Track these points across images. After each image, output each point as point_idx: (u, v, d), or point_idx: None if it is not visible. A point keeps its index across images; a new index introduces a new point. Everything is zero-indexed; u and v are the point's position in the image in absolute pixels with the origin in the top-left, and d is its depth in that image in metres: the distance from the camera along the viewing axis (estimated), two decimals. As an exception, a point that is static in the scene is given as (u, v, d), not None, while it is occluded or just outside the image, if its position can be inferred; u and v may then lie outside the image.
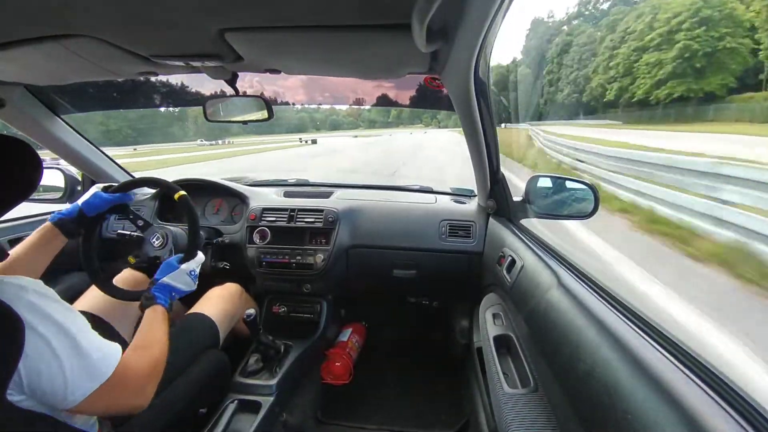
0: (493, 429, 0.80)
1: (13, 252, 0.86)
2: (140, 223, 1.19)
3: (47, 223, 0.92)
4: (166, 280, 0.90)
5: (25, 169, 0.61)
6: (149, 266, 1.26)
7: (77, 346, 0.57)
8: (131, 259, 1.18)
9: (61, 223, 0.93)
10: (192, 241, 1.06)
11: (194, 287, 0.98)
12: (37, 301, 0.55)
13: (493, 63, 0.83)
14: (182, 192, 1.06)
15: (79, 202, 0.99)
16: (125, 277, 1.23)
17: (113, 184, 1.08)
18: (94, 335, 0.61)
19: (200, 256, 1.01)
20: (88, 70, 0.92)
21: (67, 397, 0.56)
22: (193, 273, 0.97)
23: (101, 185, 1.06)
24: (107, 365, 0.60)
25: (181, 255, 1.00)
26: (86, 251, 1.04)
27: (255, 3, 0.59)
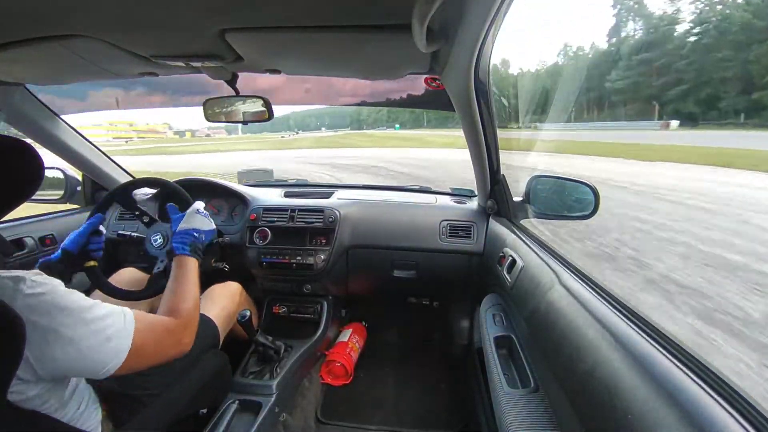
0: (494, 429, 0.80)
1: None
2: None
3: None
4: (182, 226, 0.91)
5: (26, 170, 0.60)
6: (150, 266, 1.26)
7: (87, 327, 0.56)
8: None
9: (46, 265, 0.90)
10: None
11: (213, 225, 0.97)
12: (37, 291, 0.54)
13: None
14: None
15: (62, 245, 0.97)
16: (125, 278, 1.23)
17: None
18: (103, 310, 0.60)
19: (197, 202, 1.00)
20: (89, 70, 0.92)
21: (99, 372, 0.57)
22: (201, 212, 0.97)
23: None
24: (125, 336, 0.60)
25: (175, 208, 1.00)
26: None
27: (255, 3, 0.59)
